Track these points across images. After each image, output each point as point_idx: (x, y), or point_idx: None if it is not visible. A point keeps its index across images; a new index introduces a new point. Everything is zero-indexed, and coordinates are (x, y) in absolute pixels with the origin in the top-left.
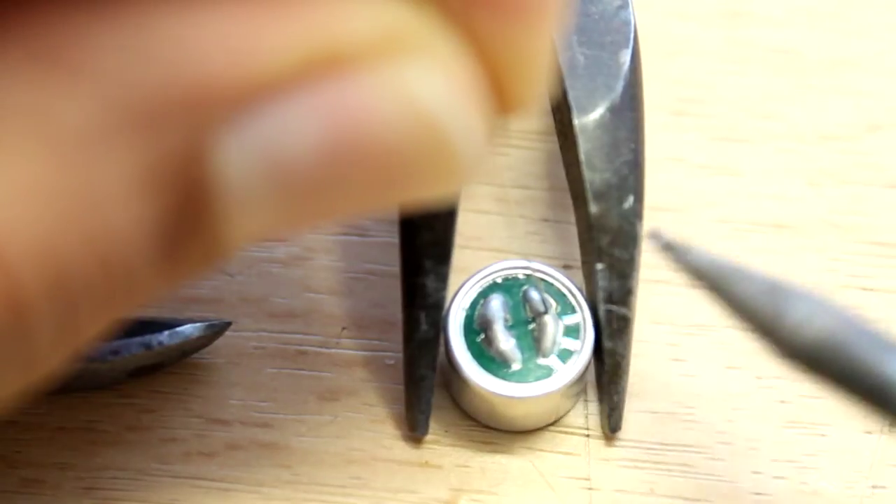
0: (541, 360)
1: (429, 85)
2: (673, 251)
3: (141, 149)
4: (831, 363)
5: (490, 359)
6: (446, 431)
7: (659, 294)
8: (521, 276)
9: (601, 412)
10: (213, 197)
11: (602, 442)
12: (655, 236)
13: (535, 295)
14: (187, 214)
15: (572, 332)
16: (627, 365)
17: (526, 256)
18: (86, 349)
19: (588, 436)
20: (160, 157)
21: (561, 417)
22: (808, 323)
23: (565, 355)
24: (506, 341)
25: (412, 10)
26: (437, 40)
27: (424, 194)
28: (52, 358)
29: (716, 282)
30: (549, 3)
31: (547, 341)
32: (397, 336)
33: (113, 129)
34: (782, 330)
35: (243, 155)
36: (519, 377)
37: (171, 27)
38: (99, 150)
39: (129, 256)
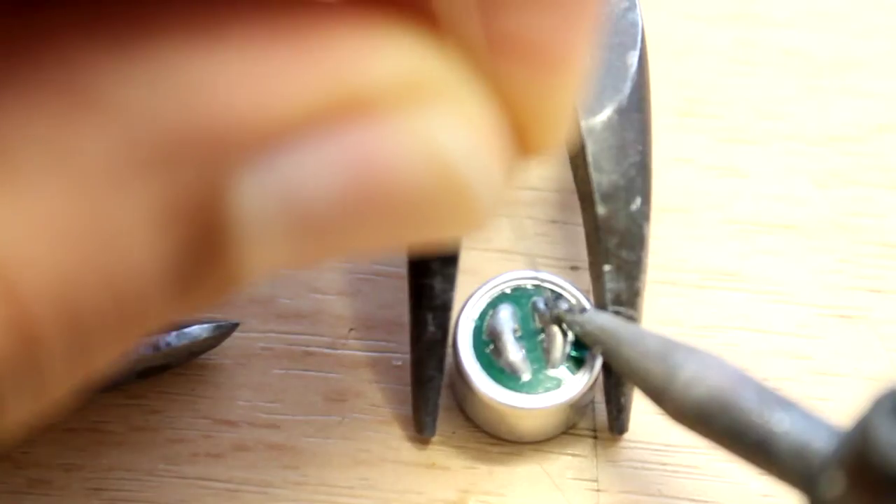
0: (550, 372)
1: (449, 132)
2: (567, 315)
3: (160, 186)
4: (719, 419)
5: (499, 370)
6: (454, 433)
7: (666, 295)
8: (529, 287)
9: (609, 414)
10: (230, 235)
11: (609, 443)
12: (548, 303)
13: (543, 305)
14: (203, 251)
15: (582, 342)
16: None
17: (533, 258)
18: (97, 377)
19: (596, 437)
20: (179, 195)
21: (570, 427)
22: (697, 381)
23: (575, 366)
24: (515, 352)
25: (436, 55)
26: (460, 87)
27: (440, 237)
28: (62, 387)
29: (609, 345)
30: (578, 58)
31: (556, 352)
32: (405, 337)
33: (133, 165)
34: (674, 390)
35: (261, 195)
36: (528, 388)
37: (195, 67)
38: (118, 185)
39: (144, 290)
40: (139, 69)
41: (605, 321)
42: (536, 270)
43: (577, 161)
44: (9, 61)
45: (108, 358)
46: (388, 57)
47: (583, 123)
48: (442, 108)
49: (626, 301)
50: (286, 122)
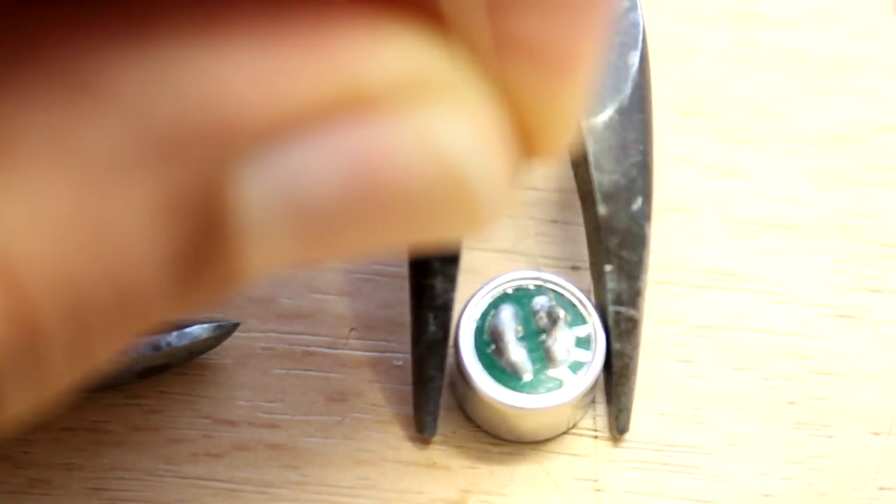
0: (552, 372)
1: (453, 131)
2: None
3: (161, 179)
4: None
5: (501, 370)
6: (454, 433)
7: (667, 295)
8: (531, 287)
9: (609, 413)
10: (231, 229)
11: (610, 443)
12: None
13: (545, 306)
14: (204, 245)
15: (583, 342)
16: (636, 366)
17: (534, 258)
18: (96, 370)
19: (596, 437)
20: (180, 188)
21: (571, 427)
22: None
23: (576, 366)
24: (517, 352)
25: (442, 54)
26: (465, 86)
27: (443, 236)
28: (62, 379)
29: None
30: (586, 60)
31: (558, 353)
32: (405, 337)
33: (135, 158)
34: None
35: (263, 190)
36: (530, 388)
37: (198, 60)
38: (120, 178)
39: (145, 284)
40: (141, 63)
41: None
42: (539, 270)
43: (578, 161)
44: (11, 56)
45: (107, 352)
46: (394, 54)
47: (584, 123)
48: (447, 106)
49: (627, 301)
50: (289, 117)
